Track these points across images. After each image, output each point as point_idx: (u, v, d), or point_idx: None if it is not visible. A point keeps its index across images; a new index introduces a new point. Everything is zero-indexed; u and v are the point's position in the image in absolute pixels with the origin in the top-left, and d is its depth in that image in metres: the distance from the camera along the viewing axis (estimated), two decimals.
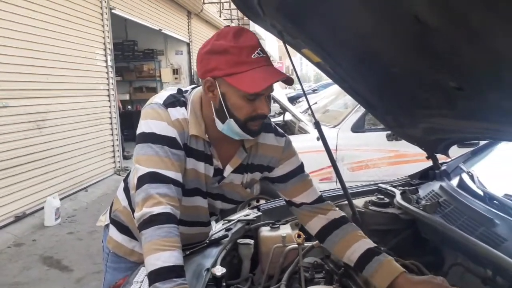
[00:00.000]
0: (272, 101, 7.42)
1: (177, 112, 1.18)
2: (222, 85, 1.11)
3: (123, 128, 7.32)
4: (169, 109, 1.17)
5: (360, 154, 3.46)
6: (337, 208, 1.39)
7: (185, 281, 1.00)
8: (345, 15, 1.13)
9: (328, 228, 1.31)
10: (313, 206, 1.35)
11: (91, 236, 4.30)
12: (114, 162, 6.73)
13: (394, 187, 1.84)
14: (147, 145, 1.13)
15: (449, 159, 1.95)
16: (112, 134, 6.63)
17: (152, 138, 1.14)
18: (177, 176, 1.13)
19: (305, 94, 1.68)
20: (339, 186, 3.33)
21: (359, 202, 1.71)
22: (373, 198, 1.71)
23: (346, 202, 1.69)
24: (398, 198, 1.63)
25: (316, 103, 7.45)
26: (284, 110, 4.62)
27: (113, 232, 1.48)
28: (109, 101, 6.51)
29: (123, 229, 1.47)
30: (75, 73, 5.44)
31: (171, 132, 1.15)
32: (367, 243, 1.24)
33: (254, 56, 1.09)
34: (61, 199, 4.87)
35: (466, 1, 0.74)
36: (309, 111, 5.48)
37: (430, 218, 1.43)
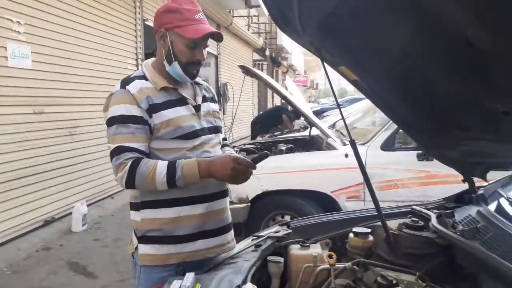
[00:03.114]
0: (292, 114, 7.45)
1: (135, 84, 1.48)
2: (171, 35, 1.48)
3: None
4: (127, 87, 1.47)
5: (389, 173, 3.39)
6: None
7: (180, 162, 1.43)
8: (389, 34, 1.12)
9: None
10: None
11: (116, 244, 4.36)
12: None
13: (428, 209, 1.79)
14: (114, 127, 1.44)
15: (486, 183, 1.88)
16: None
17: (118, 120, 1.44)
18: (139, 146, 1.44)
19: (340, 111, 1.66)
20: (369, 206, 3.29)
21: (392, 224, 1.66)
22: (407, 220, 1.66)
23: (379, 223, 1.66)
24: (434, 221, 1.58)
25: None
26: (310, 125, 4.60)
27: (144, 248, 1.52)
28: None
29: (151, 239, 1.52)
30: (106, 82, 5.59)
31: (133, 111, 1.44)
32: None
33: (197, 16, 1.49)
34: (87, 206, 4.96)
35: None
36: (335, 127, 5.44)
37: (469, 245, 1.37)
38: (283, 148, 4.13)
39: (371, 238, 1.62)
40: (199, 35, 1.46)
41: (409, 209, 1.86)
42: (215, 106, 1.69)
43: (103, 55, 5.62)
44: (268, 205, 3.57)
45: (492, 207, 1.71)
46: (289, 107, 7.72)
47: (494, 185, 1.87)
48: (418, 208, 1.81)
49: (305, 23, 1.30)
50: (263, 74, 4.77)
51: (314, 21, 1.26)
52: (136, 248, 1.54)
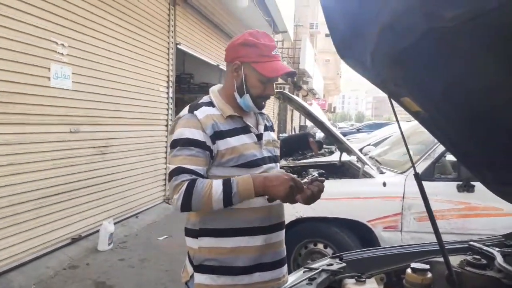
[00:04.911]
0: (317, 144, 7.38)
1: (203, 110, 1.50)
2: (246, 68, 1.50)
3: None
4: (195, 112, 1.48)
5: None
6: None
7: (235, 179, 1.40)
8: (472, 68, 1.09)
9: None
10: None
11: (142, 264, 4.33)
12: (164, 190, 6.83)
13: (488, 246, 1.72)
14: (177, 149, 1.44)
15: None
16: (165, 163, 6.76)
17: (182, 142, 1.44)
18: (198, 169, 1.42)
19: (404, 139, 1.63)
20: (405, 237, 3.20)
21: (452, 261, 1.59)
22: (468, 257, 1.59)
23: (437, 259, 1.59)
24: (500, 260, 1.51)
25: (369, 144, 7.34)
26: (341, 150, 4.54)
27: (200, 278, 1.49)
28: (166, 131, 6.70)
29: (208, 269, 1.48)
30: (140, 103, 5.68)
31: (197, 135, 1.44)
32: None
33: (274, 53, 1.50)
34: (113, 224, 4.95)
35: None
36: (366, 153, 5.35)
37: None
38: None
39: (430, 275, 1.55)
40: (277, 74, 1.48)
41: (466, 245, 1.78)
42: (274, 135, 1.69)
43: (137, 77, 5.72)
44: (301, 232, 3.50)
45: None
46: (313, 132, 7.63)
47: None
48: (477, 244, 1.73)
49: (377, 56, 1.28)
50: (299, 99, 4.77)
51: (389, 54, 1.24)
52: (191, 276, 1.50)
